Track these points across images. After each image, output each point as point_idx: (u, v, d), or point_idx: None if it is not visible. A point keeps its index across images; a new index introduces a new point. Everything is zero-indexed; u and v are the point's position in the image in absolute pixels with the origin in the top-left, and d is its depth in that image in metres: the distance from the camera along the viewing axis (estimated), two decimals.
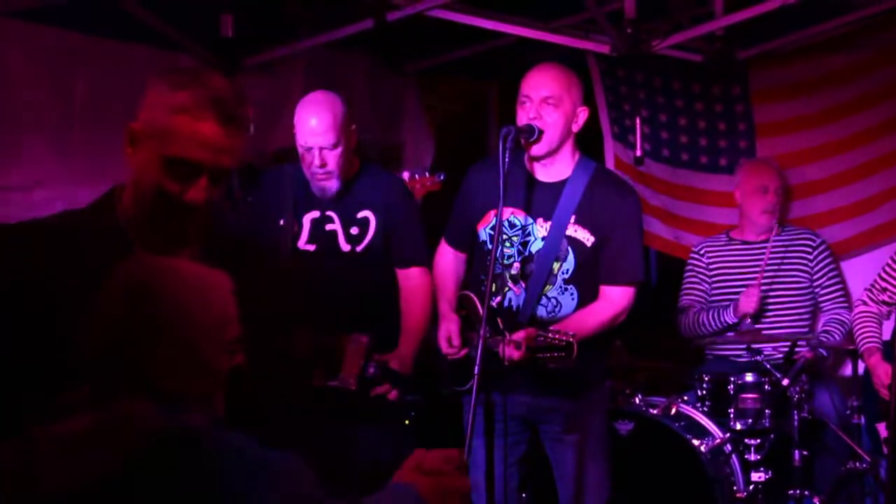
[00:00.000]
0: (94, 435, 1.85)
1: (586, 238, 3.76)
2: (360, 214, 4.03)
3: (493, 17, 5.06)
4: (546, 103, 3.71)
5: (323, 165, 3.92)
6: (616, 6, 4.91)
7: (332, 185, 3.97)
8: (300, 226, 4.05)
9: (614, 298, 3.79)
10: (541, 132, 3.70)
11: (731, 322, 5.07)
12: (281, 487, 1.86)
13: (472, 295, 3.87)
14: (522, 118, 3.75)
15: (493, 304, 3.78)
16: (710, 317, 5.12)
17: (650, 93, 5.96)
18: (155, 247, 2.24)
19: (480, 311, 3.66)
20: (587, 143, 4.04)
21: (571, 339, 3.45)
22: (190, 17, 4.95)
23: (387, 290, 4.07)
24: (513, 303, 3.81)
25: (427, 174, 4.67)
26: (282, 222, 4.04)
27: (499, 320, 3.72)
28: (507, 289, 3.81)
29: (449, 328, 3.83)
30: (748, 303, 4.97)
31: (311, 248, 4.04)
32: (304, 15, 5.20)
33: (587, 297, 3.79)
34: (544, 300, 3.78)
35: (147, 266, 2.00)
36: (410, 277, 4.07)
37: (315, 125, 3.89)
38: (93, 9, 4.58)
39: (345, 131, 3.94)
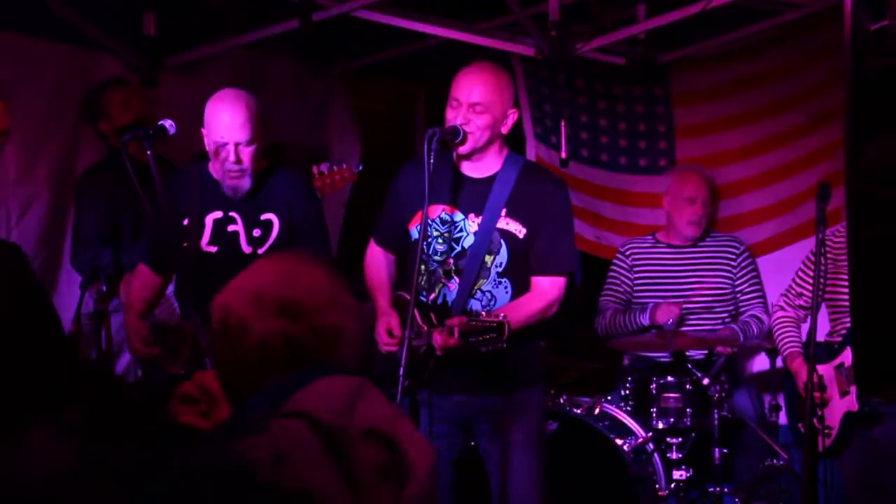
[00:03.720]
0: None
1: (518, 230, 3.79)
2: (264, 216, 3.99)
3: (419, 18, 5.06)
4: (474, 110, 3.74)
5: (238, 162, 3.88)
6: (541, 9, 4.96)
7: (245, 183, 3.94)
8: (202, 226, 4.01)
9: (545, 288, 3.81)
10: (465, 134, 3.73)
11: (645, 325, 5.12)
12: None
13: (405, 295, 3.86)
14: (451, 119, 3.77)
15: (428, 300, 3.83)
16: (627, 319, 5.18)
17: (572, 94, 6.02)
18: None
19: (413, 307, 3.70)
20: (510, 143, 4.06)
21: (503, 320, 3.46)
22: (112, 15, 4.88)
23: None
24: (447, 298, 3.82)
25: (345, 165, 4.62)
26: (185, 222, 4.00)
27: (432, 315, 3.74)
28: (441, 285, 3.83)
29: (389, 321, 3.79)
30: (664, 316, 5.02)
31: (213, 249, 4.00)
32: (229, 14, 5.16)
33: (521, 290, 3.81)
34: (479, 294, 3.81)
35: None
36: None
37: (230, 120, 3.84)
38: (13, 6, 4.50)
39: (259, 128, 3.90)
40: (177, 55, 5.15)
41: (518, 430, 3.87)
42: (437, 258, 3.84)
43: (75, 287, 4.54)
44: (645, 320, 5.10)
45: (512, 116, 3.82)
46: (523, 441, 3.87)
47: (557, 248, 3.83)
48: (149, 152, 3.81)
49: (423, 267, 3.82)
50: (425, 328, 3.70)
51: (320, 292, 2.08)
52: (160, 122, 3.94)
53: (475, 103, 3.73)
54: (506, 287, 3.81)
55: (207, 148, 3.94)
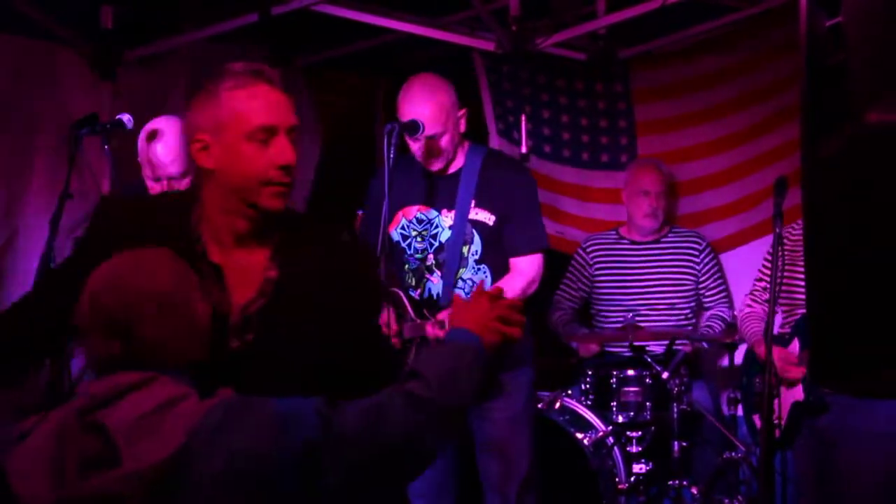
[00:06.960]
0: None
1: (487, 218, 4.02)
2: None
3: (379, 12, 5.05)
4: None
5: None
6: (501, 4, 4.97)
7: None
8: None
9: (523, 268, 4.04)
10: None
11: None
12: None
13: (396, 290, 4.09)
14: (415, 151, 3.97)
15: (416, 295, 4.08)
16: (566, 332, 5.26)
17: (534, 90, 6.02)
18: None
19: (406, 302, 4.00)
20: (475, 141, 4.16)
21: None
22: (68, 7, 4.82)
23: None
24: (433, 291, 4.07)
25: None
26: None
27: (424, 311, 4.00)
28: (425, 280, 4.07)
29: (387, 314, 3.94)
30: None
31: None
32: (188, 7, 5.12)
33: (499, 272, 4.05)
34: (461, 283, 4.04)
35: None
36: None
37: (162, 154, 3.79)
38: None
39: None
40: (135, 48, 5.10)
41: (502, 410, 4.05)
42: (417, 256, 4.08)
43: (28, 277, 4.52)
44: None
45: (463, 117, 4.02)
46: (506, 421, 4.06)
47: (528, 228, 4.06)
48: (106, 147, 3.77)
49: (405, 266, 4.09)
50: (418, 321, 3.97)
51: (143, 302, 2.10)
52: (118, 117, 3.90)
53: (430, 136, 3.91)
54: (485, 272, 4.05)
55: (145, 181, 3.90)
